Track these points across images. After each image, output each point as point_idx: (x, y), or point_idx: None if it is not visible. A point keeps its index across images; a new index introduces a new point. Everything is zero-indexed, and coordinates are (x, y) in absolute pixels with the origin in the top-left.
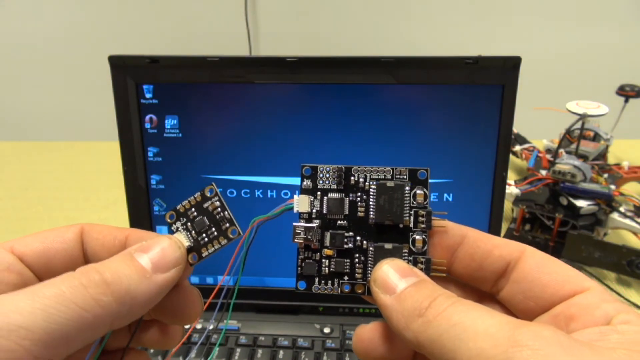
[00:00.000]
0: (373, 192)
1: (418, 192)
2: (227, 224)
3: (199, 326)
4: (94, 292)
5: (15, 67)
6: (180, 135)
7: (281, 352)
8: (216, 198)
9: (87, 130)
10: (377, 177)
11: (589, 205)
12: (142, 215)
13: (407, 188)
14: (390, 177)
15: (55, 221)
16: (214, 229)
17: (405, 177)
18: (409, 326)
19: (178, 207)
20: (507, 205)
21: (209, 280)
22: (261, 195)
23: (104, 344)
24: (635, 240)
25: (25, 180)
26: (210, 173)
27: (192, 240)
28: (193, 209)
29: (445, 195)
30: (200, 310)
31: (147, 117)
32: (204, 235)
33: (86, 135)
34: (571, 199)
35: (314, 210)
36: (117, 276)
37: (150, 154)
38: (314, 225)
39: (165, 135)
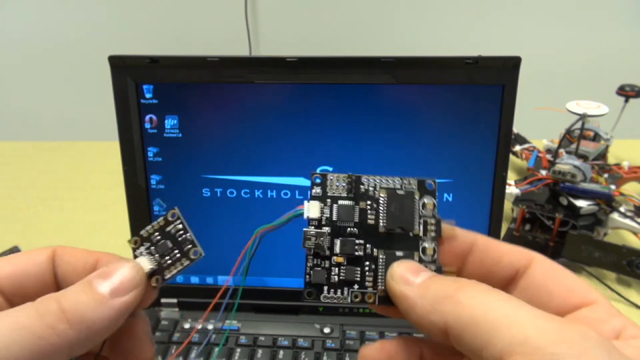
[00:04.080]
0: (383, 200)
1: (427, 201)
2: (189, 245)
3: (199, 326)
4: (50, 320)
5: (15, 67)
6: (180, 135)
7: (281, 352)
8: (178, 221)
9: (87, 130)
10: (386, 186)
11: (589, 205)
12: (142, 215)
13: (417, 197)
14: (399, 187)
15: (55, 221)
16: (176, 251)
17: (414, 187)
18: (436, 308)
19: (142, 232)
20: (507, 205)
21: (209, 280)
22: (261, 195)
23: None
24: (635, 240)
25: (25, 180)
26: (210, 173)
27: (155, 264)
28: (157, 234)
29: (445, 195)
30: (149, 359)
31: (147, 117)
32: (167, 257)
33: (86, 135)
34: (571, 199)
35: (324, 217)
36: (74, 304)
37: (150, 154)
38: (326, 230)
39: (165, 135)
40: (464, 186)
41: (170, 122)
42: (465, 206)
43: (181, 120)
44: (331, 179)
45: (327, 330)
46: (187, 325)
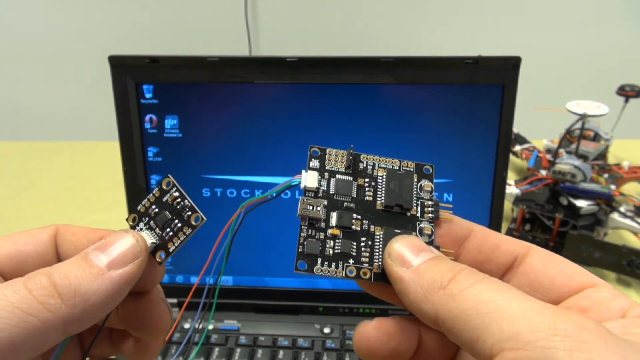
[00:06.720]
0: (382, 178)
1: (425, 182)
2: (189, 212)
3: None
4: (39, 294)
5: (15, 67)
6: (180, 135)
7: (281, 352)
8: (174, 189)
9: (87, 130)
10: (384, 166)
11: (589, 205)
12: None
13: (415, 179)
14: (397, 168)
15: (55, 221)
16: (176, 220)
17: (412, 169)
18: (428, 298)
19: (138, 207)
20: (507, 205)
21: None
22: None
23: (61, 350)
24: (635, 240)
25: (25, 180)
26: (210, 173)
27: (157, 238)
28: (154, 206)
29: (445, 195)
30: (168, 325)
31: (147, 117)
32: (168, 229)
33: (86, 135)
34: (571, 199)
35: (321, 190)
36: (66, 277)
37: (150, 154)
38: (322, 201)
39: (165, 135)
40: (464, 186)
41: (170, 122)
42: (465, 206)
43: (181, 120)
44: (330, 153)
45: (327, 330)
46: (186, 325)
